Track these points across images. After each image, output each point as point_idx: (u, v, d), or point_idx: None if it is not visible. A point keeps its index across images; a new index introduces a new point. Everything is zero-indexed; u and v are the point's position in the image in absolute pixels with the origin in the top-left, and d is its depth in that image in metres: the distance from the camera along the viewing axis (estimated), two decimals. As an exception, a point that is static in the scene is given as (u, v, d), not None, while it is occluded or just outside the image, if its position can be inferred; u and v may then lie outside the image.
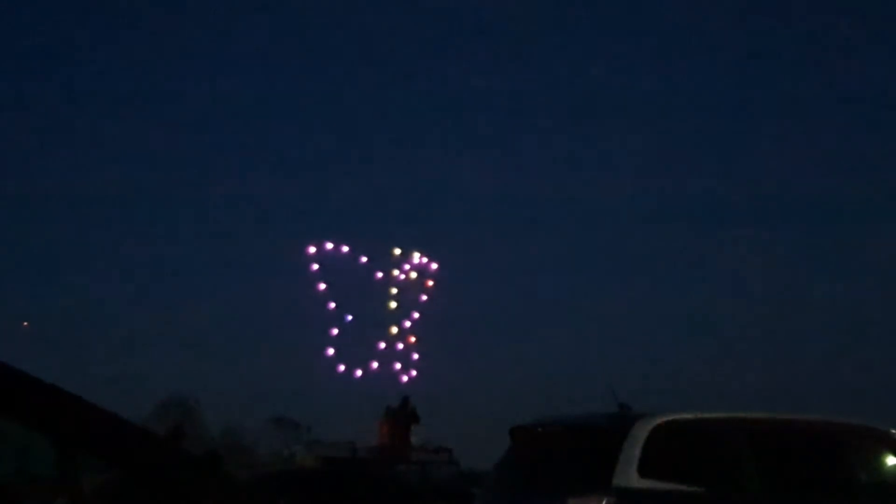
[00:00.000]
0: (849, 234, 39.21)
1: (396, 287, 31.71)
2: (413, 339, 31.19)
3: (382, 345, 31.21)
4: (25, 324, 34.44)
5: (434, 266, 31.88)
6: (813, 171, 40.43)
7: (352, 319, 31.24)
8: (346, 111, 42.34)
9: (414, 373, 30.72)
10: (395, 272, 31.73)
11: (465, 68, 42.01)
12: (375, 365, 30.93)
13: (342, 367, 30.61)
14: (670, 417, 8.41)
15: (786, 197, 40.84)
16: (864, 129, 41.19)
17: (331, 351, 30.74)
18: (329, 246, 31.25)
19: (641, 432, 8.09)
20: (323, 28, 42.73)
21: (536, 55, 43.05)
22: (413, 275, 31.83)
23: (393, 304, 31.51)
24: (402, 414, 23.87)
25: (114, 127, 40.92)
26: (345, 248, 31.45)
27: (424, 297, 31.78)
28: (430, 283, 31.74)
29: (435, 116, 42.79)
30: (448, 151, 41.27)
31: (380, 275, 31.64)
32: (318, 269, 31.24)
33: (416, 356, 31.06)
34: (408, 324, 31.50)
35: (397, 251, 31.95)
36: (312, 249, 31.16)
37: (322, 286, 31.22)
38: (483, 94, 41.75)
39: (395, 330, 31.32)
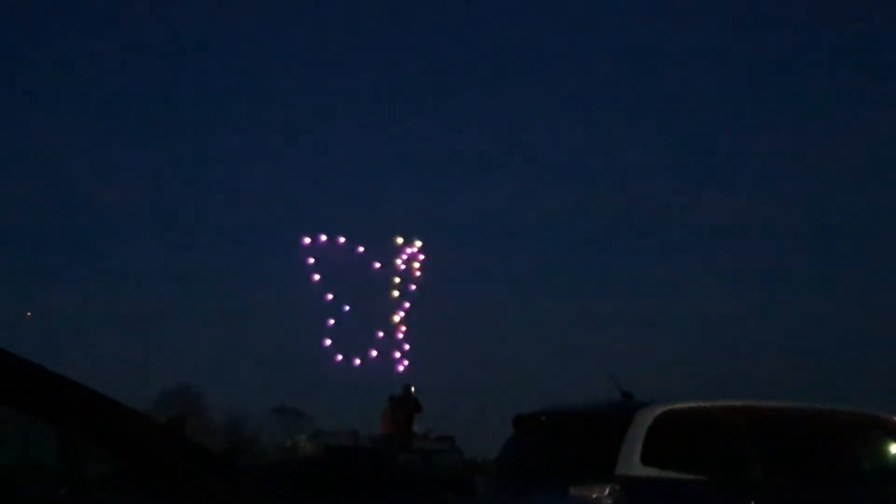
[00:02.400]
0: (855, 225, 39.15)
1: (395, 276, 31.76)
2: (408, 329, 31.27)
3: (381, 334, 31.28)
4: (28, 314, 34.49)
5: (421, 257, 31.91)
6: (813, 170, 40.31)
7: (349, 310, 31.31)
8: (343, 104, 42.22)
9: (406, 362, 30.80)
10: (397, 261, 31.78)
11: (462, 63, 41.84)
12: (375, 354, 30.99)
13: (340, 357, 30.67)
14: (673, 406, 8.41)
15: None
16: None
17: (329, 341, 30.81)
18: (323, 238, 31.29)
19: (644, 421, 8.09)
20: (318, 21, 42.60)
21: (535, 52, 42.91)
22: (416, 264, 31.87)
23: (395, 293, 31.57)
24: (405, 402, 23.89)
25: (115, 123, 40.89)
26: (341, 240, 31.50)
27: (423, 287, 31.86)
28: (428, 272, 31.81)
29: (431, 109, 42.63)
30: (446, 143, 41.18)
31: (377, 265, 31.70)
32: (316, 260, 31.31)
33: (415, 346, 31.13)
34: (406, 314, 31.56)
35: (399, 240, 31.99)
36: (307, 240, 31.23)
37: (320, 277, 31.29)
38: (481, 87, 41.63)
39: (396, 319, 31.39)
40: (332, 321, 31.12)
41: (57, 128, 39.71)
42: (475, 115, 41.36)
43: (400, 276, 31.92)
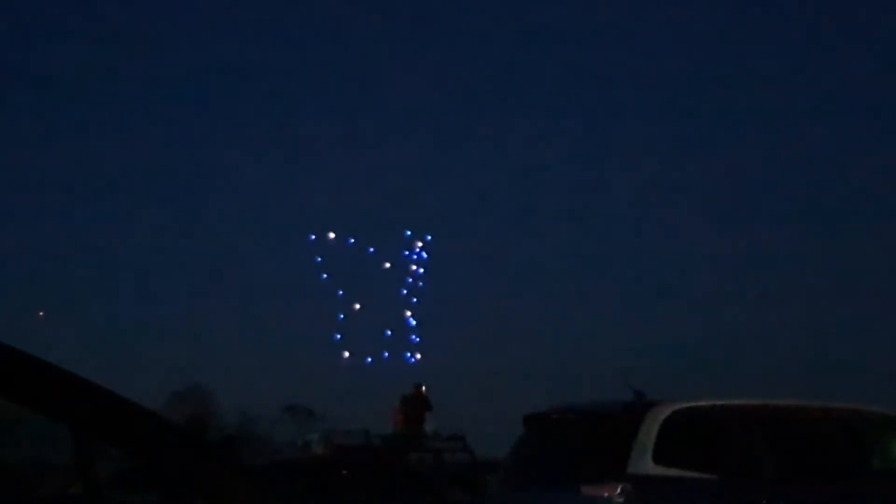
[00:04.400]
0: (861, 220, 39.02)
1: (406, 272, 31.86)
2: (419, 323, 31.34)
3: (389, 332, 31.37)
4: (41, 314, 34.64)
5: (424, 255, 31.98)
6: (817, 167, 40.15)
7: (360, 308, 31.38)
8: (349, 101, 42.24)
9: (419, 356, 30.88)
10: (406, 254, 31.84)
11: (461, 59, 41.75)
12: (387, 352, 31.09)
13: (350, 355, 30.75)
14: (685, 405, 8.40)
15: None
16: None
17: (340, 339, 30.91)
18: (332, 235, 31.36)
19: (656, 420, 8.08)
20: (321, 18, 42.63)
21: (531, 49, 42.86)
22: (424, 255, 31.94)
23: (404, 291, 31.67)
24: (415, 401, 23.90)
25: (118, 120, 41.02)
26: (351, 240, 31.59)
27: (432, 284, 31.96)
28: (437, 269, 31.88)
29: (434, 104, 42.53)
30: (453, 135, 41.13)
31: (388, 265, 31.76)
32: (327, 258, 31.44)
33: (425, 342, 31.18)
34: (418, 311, 31.64)
35: (408, 233, 32.04)
36: (313, 237, 31.33)
37: (332, 276, 31.41)
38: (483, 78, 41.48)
39: (407, 314, 31.46)
40: (341, 327, 31.25)
41: (64, 129, 39.86)
42: (481, 109, 41.34)
43: (409, 273, 31.98)
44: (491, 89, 41.11)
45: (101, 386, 2.35)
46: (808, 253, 38.48)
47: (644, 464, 7.84)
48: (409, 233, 31.92)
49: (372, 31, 41.79)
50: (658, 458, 7.88)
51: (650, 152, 40.05)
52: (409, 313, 31.49)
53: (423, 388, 24.37)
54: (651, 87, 40.97)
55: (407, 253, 31.77)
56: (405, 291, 31.68)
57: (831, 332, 36.59)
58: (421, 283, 31.88)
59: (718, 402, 8.65)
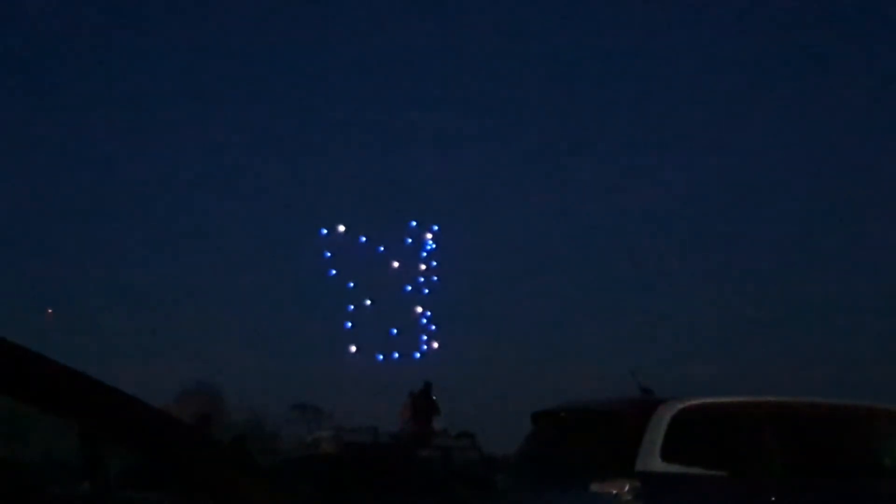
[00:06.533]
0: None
1: (414, 268, 31.79)
2: (432, 324, 31.27)
3: (401, 330, 31.34)
4: (49, 311, 34.71)
5: (433, 245, 31.84)
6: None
7: (371, 304, 31.34)
8: (355, 97, 42.17)
9: (436, 345, 30.80)
10: (410, 242, 31.72)
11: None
12: (396, 349, 31.07)
13: (359, 351, 30.73)
14: (693, 402, 8.38)
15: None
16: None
17: (349, 338, 30.90)
18: (341, 228, 31.24)
19: (664, 417, 8.07)
20: (326, 14, 42.58)
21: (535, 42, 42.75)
22: (429, 246, 31.84)
23: (408, 288, 31.63)
24: (424, 400, 23.92)
25: (123, 118, 41.07)
26: (362, 239, 31.52)
27: (439, 280, 31.89)
28: (444, 266, 31.83)
29: (446, 98, 42.44)
30: (459, 133, 41.03)
31: (396, 264, 31.68)
32: (335, 255, 31.40)
33: (435, 341, 31.15)
34: (426, 307, 31.59)
35: (413, 224, 31.89)
36: (325, 231, 31.23)
37: (341, 272, 31.39)
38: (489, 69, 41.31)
39: (418, 310, 31.40)
40: (351, 319, 31.19)
41: (68, 126, 39.95)
42: (491, 102, 41.28)
43: (419, 268, 31.90)
44: (500, 78, 41.05)
45: (109, 384, 2.35)
46: (811, 253, 38.41)
47: (653, 461, 7.83)
48: (414, 223, 31.79)
49: (372, 29, 41.80)
50: (667, 456, 7.87)
51: (662, 147, 39.98)
52: (419, 309, 31.45)
53: (432, 387, 24.37)
54: (654, 84, 40.89)
55: (409, 241, 31.66)
56: (409, 288, 31.63)
57: (838, 331, 36.53)
58: (434, 278, 31.75)
59: (728, 399, 8.63)
